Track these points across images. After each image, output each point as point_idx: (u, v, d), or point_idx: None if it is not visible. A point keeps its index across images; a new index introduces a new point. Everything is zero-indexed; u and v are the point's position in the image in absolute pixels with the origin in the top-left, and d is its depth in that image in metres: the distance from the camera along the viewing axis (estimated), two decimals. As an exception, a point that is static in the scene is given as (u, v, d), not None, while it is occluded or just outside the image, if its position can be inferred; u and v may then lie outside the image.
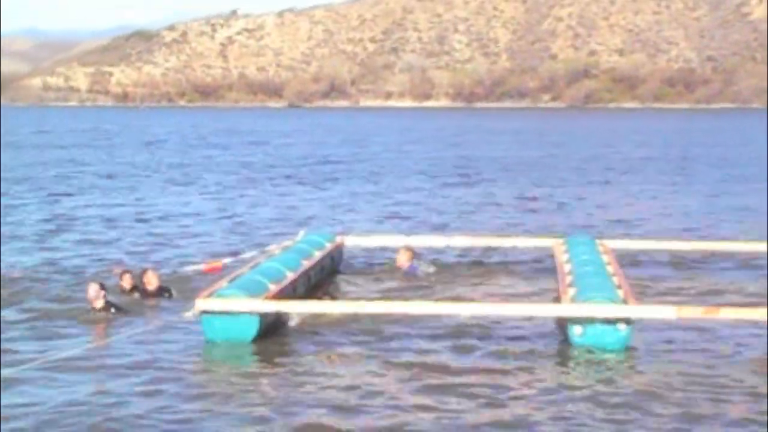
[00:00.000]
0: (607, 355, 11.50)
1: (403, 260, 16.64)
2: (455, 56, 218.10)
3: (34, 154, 50.88)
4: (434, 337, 12.40)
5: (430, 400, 9.95)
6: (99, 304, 13.31)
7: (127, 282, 14.67)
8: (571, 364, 11.37)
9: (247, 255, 16.56)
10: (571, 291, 12.71)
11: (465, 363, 11.28)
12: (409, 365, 11.18)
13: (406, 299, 14.19)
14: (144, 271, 14.88)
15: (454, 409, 9.70)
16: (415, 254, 16.86)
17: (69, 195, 29.67)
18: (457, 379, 10.63)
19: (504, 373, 10.90)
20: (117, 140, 66.42)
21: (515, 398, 10.06)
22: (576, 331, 11.82)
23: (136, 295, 14.46)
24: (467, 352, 11.76)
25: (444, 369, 11.03)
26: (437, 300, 14.13)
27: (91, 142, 64.12)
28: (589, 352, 11.61)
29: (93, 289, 13.36)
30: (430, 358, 11.47)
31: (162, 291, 14.51)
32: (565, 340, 11.99)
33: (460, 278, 16.50)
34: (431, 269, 16.68)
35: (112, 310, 13.39)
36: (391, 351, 11.82)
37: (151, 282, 14.53)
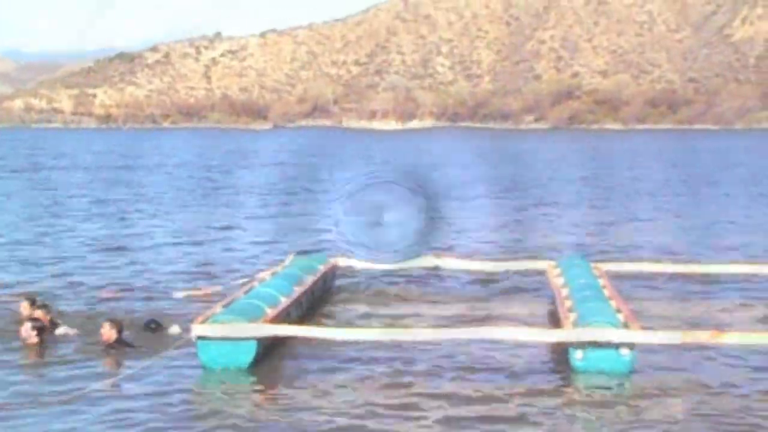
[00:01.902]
0: (609, 380, 11.38)
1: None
2: (438, 78, 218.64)
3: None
4: (432, 363, 12.26)
5: (429, 425, 9.81)
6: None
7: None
8: (572, 389, 11.23)
9: (238, 281, 16.39)
10: (572, 316, 12.58)
11: (464, 388, 11.15)
12: (408, 391, 11.06)
13: (404, 323, 14.10)
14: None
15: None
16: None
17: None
18: (458, 405, 10.53)
19: (504, 398, 10.76)
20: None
21: (517, 423, 9.94)
22: (577, 355, 11.68)
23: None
24: (466, 377, 11.63)
25: (445, 395, 10.91)
26: (435, 325, 13.98)
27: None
28: (592, 376, 11.48)
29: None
30: (429, 384, 11.35)
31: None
32: (564, 365, 11.85)
33: (451, 302, 16.36)
34: None
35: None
36: (390, 376, 11.68)
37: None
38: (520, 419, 10.07)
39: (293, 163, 64.54)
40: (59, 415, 10.22)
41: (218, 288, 16.51)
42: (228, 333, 11.87)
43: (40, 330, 12.78)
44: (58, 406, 10.48)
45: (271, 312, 12.84)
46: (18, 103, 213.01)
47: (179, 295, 16.32)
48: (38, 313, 13.44)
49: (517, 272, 18.06)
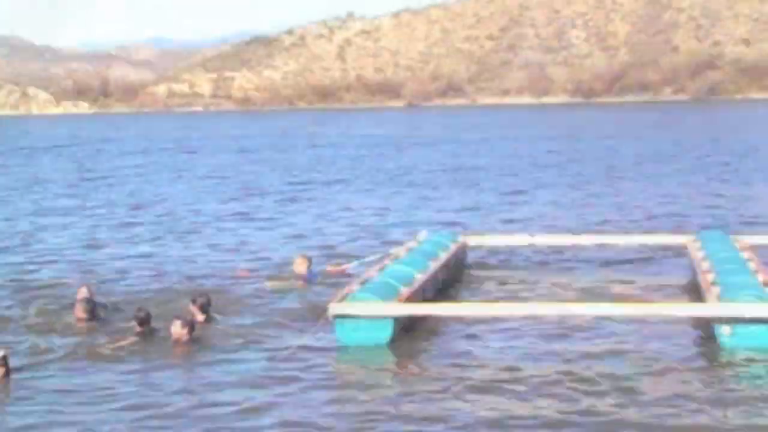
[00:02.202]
0: (759, 356, 11.07)
1: (300, 268, 15.82)
2: (573, 51, 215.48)
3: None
4: (569, 338, 12.15)
5: (568, 403, 9.72)
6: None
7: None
8: (722, 366, 10.96)
9: (371, 258, 16.53)
10: (715, 290, 12.31)
11: (602, 366, 11.00)
12: (544, 368, 10.99)
13: (538, 299, 14.02)
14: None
15: (601, 411, 9.50)
16: (311, 261, 16.13)
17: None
18: (597, 383, 10.37)
19: (648, 376, 10.57)
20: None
21: (663, 400, 9.74)
22: (724, 331, 11.41)
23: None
24: (603, 353, 11.48)
25: (583, 372, 10.79)
26: (569, 301, 13.84)
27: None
28: (740, 352, 11.19)
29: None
30: (566, 360, 11.24)
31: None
32: (709, 341, 11.61)
33: (585, 277, 16.17)
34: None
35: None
36: (526, 353, 11.64)
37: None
38: (666, 397, 9.85)
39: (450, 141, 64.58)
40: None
41: (352, 264, 16.70)
42: (365, 312, 11.99)
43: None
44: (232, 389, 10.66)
45: (406, 290, 12.96)
46: (161, 89, 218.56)
47: (319, 269, 16.58)
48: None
49: (656, 246, 17.78)
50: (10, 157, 57.53)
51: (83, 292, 13.88)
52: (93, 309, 13.40)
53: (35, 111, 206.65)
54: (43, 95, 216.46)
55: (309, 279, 15.66)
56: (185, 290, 15.21)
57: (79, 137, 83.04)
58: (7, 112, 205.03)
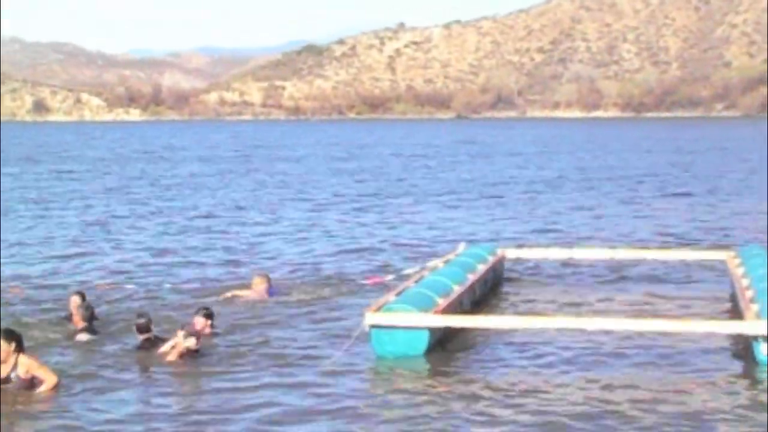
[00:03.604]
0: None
1: (259, 288, 15.52)
2: (624, 66, 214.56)
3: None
4: (605, 354, 12.14)
5: (605, 418, 9.72)
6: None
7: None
8: (760, 383, 10.90)
9: (409, 270, 16.63)
10: (754, 307, 12.25)
11: (638, 381, 10.95)
12: (582, 381, 10.96)
13: (575, 313, 14.01)
14: None
15: (637, 427, 9.46)
16: (270, 279, 15.88)
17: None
18: (632, 399, 10.30)
19: (685, 393, 10.53)
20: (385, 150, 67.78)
21: (708, 417, 9.73)
22: (763, 349, 11.36)
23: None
24: (639, 370, 11.45)
25: (619, 387, 10.74)
26: (610, 316, 13.83)
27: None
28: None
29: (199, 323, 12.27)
30: (602, 375, 11.21)
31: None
32: (747, 358, 11.56)
33: (623, 292, 16.17)
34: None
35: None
36: (563, 366, 11.63)
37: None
38: (703, 415, 9.77)
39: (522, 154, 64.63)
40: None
41: (390, 277, 16.83)
42: (401, 322, 11.99)
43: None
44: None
45: (443, 301, 12.90)
46: (212, 97, 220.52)
47: (355, 282, 16.72)
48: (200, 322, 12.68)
49: (695, 262, 17.70)
50: (78, 163, 58.54)
51: (75, 301, 13.57)
52: (92, 316, 13.18)
53: (88, 117, 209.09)
54: (95, 101, 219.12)
55: (271, 295, 15.45)
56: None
57: (143, 144, 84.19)
58: (60, 117, 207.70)
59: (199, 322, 12.52)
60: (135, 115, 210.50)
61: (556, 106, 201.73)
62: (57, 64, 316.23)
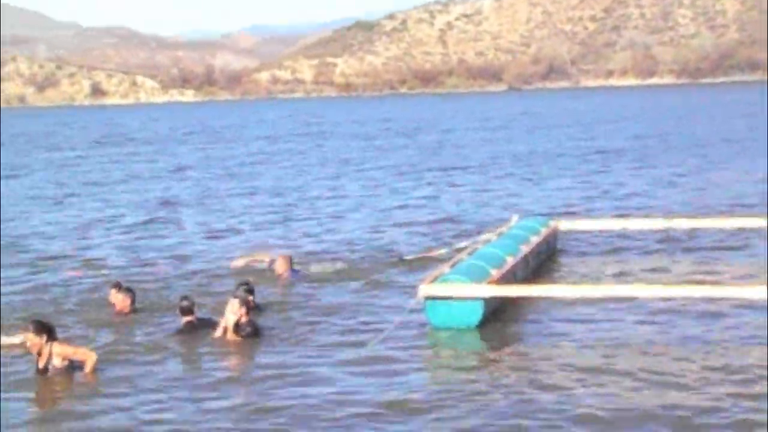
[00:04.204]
0: None
1: (281, 268, 15.52)
2: (680, 31, 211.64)
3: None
4: (659, 322, 12.15)
5: (669, 387, 9.71)
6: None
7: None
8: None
9: (462, 243, 16.74)
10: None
11: (692, 351, 10.95)
12: (637, 351, 10.97)
13: (629, 282, 14.03)
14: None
15: (695, 395, 9.46)
16: (293, 261, 15.85)
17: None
18: (687, 370, 10.27)
19: (739, 361, 10.49)
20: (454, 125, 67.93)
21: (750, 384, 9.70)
22: None
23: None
24: (691, 338, 11.45)
25: (677, 356, 10.75)
26: (661, 284, 13.85)
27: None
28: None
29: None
30: (658, 343, 11.22)
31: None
32: None
33: (677, 260, 16.14)
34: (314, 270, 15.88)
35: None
36: (619, 334, 11.65)
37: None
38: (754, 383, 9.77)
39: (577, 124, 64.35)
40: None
41: (443, 249, 16.96)
42: (455, 293, 12.12)
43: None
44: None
45: (496, 273, 12.99)
46: (264, 76, 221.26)
47: (409, 257, 16.88)
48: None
49: (751, 229, 17.59)
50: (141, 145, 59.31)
51: (115, 293, 13.56)
52: (134, 298, 13.34)
53: (143, 99, 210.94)
54: (150, 83, 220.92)
55: (293, 276, 15.45)
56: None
57: (202, 124, 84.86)
58: (117, 100, 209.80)
59: (233, 302, 12.21)
60: (189, 96, 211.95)
61: (610, 74, 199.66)
62: (111, 48, 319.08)
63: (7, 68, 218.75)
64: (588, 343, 11.38)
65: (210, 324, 12.27)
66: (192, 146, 55.62)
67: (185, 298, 12.61)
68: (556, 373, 10.24)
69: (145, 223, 23.16)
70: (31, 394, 10.25)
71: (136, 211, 25.33)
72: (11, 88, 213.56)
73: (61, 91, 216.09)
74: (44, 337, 10.57)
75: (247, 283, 13.28)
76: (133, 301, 13.35)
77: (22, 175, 38.59)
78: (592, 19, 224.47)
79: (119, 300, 13.27)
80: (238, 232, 21.33)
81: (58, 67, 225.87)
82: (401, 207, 24.62)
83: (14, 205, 27.45)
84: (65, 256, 18.44)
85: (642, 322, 12.22)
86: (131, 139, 66.28)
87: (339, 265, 16.35)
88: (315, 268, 16.01)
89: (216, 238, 20.50)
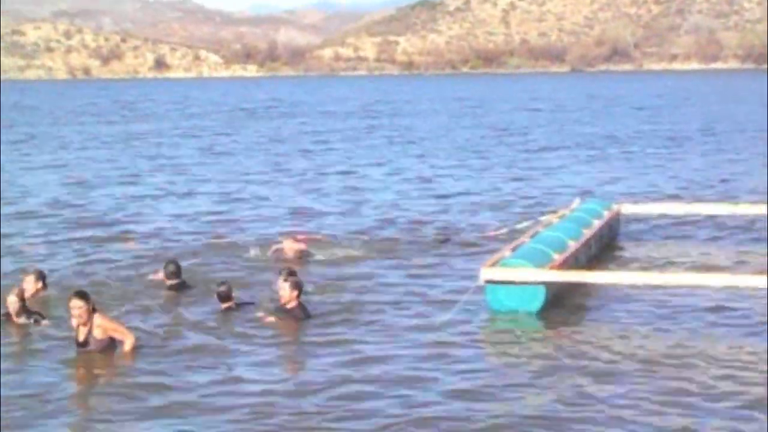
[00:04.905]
0: None
1: (290, 254, 15.39)
2: (745, 16, 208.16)
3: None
4: (727, 311, 11.99)
5: (736, 377, 9.60)
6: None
7: None
8: None
9: (523, 225, 16.62)
10: None
11: (751, 339, 10.88)
12: (705, 340, 10.83)
13: (695, 270, 13.83)
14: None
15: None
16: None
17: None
18: (759, 357, 10.20)
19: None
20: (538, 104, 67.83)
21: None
22: None
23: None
24: (756, 327, 11.33)
25: (744, 346, 10.62)
26: (727, 271, 13.68)
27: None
28: None
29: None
30: (725, 334, 11.09)
31: None
32: None
33: (744, 247, 15.93)
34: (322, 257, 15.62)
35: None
36: (684, 323, 11.51)
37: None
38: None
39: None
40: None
41: (504, 230, 16.91)
42: (516, 277, 11.96)
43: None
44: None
45: (558, 257, 12.85)
46: (327, 52, 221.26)
47: (469, 237, 16.89)
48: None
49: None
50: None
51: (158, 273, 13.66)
52: (179, 271, 13.30)
53: (206, 73, 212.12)
54: (213, 58, 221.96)
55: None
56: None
57: (280, 100, 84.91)
58: (180, 74, 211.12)
59: (284, 286, 12.07)
60: (252, 71, 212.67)
61: (674, 58, 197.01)
62: (176, 22, 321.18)
63: (74, 40, 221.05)
64: (651, 332, 11.21)
65: (251, 308, 12.21)
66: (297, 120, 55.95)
67: (222, 283, 12.48)
68: (619, 362, 10.10)
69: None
70: (72, 370, 10.14)
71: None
72: (76, 60, 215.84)
73: (125, 63, 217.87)
74: (90, 304, 10.34)
75: (289, 269, 12.94)
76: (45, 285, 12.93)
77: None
78: (657, 2, 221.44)
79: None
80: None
81: (123, 40, 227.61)
82: (462, 187, 24.57)
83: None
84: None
85: (710, 311, 12.03)
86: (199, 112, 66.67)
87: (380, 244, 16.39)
88: (338, 251, 15.86)
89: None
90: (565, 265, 12.85)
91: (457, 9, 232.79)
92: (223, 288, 12.30)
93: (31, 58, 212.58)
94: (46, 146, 39.30)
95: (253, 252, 15.83)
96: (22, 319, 11.50)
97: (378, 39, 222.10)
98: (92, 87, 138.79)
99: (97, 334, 10.31)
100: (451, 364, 10.19)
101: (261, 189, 25.00)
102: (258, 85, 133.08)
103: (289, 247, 15.63)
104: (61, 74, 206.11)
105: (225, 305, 12.23)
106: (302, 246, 15.70)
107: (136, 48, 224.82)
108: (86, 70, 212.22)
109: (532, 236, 14.13)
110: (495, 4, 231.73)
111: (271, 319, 11.77)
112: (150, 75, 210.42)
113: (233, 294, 12.35)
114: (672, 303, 12.42)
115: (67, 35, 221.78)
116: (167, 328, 11.52)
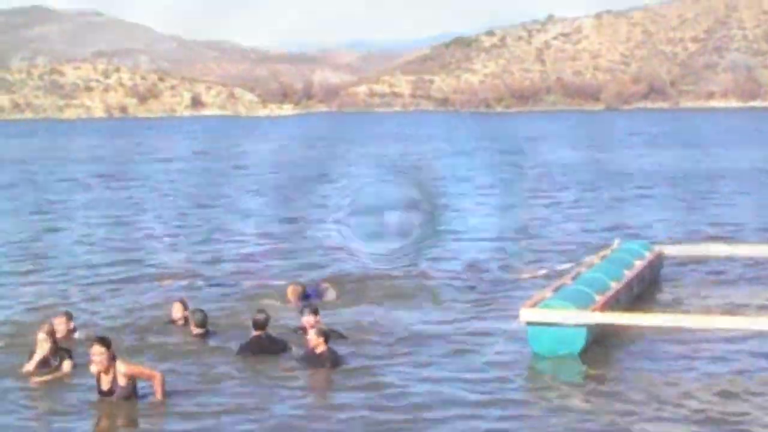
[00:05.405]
0: None
1: (292, 297, 15.13)
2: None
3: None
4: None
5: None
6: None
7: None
8: None
9: (564, 266, 16.48)
10: None
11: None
12: (750, 385, 10.67)
13: (741, 313, 13.61)
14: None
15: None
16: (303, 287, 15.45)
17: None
18: None
19: None
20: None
21: None
22: None
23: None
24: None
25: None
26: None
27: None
28: None
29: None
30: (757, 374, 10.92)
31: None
32: None
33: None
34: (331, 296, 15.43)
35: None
36: (731, 367, 11.35)
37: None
38: None
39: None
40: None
41: (543, 271, 16.73)
42: (558, 319, 11.87)
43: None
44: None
45: (600, 299, 12.72)
46: (362, 89, 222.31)
47: (525, 275, 16.73)
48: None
49: None
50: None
51: (178, 307, 13.63)
52: (205, 319, 13.01)
53: (243, 112, 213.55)
54: (248, 96, 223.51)
55: (308, 298, 15.11)
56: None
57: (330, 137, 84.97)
58: (215, 111, 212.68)
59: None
60: (288, 110, 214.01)
61: (711, 96, 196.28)
62: (212, 61, 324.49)
63: (111, 79, 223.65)
64: (694, 375, 11.06)
65: (279, 344, 12.09)
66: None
67: (261, 311, 12.39)
68: (662, 409, 9.93)
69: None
70: (93, 421, 9.97)
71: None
72: (113, 99, 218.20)
73: (162, 102, 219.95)
74: (111, 352, 10.15)
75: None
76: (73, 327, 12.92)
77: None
78: (694, 39, 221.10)
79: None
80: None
81: (161, 79, 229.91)
82: (500, 226, 24.38)
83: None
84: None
85: (755, 356, 11.81)
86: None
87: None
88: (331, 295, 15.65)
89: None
90: (607, 306, 12.72)
91: (493, 46, 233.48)
92: (260, 316, 12.16)
93: (70, 98, 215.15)
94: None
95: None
96: (45, 371, 11.23)
97: (412, 77, 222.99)
98: (181, 126, 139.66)
99: (122, 381, 10.17)
100: (490, 408, 10.10)
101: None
102: (295, 124, 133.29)
103: (324, 288, 15.53)
104: (99, 112, 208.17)
105: (256, 333, 12.08)
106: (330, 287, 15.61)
107: (173, 87, 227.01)
108: (123, 109, 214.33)
109: (574, 277, 13.97)
110: (530, 42, 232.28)
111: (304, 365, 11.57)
112: (186, 113, 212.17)
113: (268, 325, 12.20)
114: (715, 346, 12.18)
115: (105, 74, 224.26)
116: (196, 377, 11.38)
